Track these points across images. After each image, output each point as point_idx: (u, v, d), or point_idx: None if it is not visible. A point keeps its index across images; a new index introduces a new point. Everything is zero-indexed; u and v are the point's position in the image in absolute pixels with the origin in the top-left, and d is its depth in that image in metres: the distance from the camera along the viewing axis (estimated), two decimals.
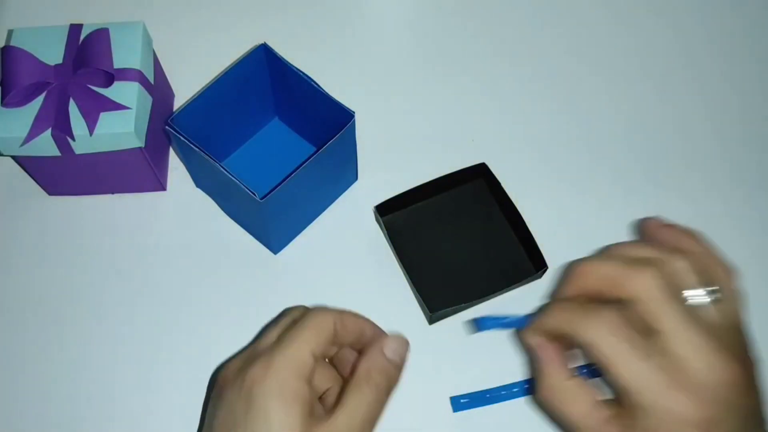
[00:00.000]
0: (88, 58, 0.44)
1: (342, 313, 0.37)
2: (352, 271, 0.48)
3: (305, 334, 0.35)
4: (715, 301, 0.34)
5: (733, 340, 0.34)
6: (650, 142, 0.53)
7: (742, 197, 0.51)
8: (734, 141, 0.53)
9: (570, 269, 0.36)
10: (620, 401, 0.34)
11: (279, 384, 0.34)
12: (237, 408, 0.34)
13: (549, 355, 0.36)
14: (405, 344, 0.38)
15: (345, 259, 0.49)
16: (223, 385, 0.36)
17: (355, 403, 0.35)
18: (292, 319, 0.38)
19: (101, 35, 0.45)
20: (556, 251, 0.47)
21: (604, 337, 0.34)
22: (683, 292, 0.34)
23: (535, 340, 0.37)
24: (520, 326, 0.39)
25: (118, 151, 0.45)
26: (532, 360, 0.37)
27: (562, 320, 0.36)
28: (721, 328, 0.34)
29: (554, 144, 0.53)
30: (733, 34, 0.58)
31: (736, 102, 0.55)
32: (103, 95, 0.43)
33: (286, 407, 0.33)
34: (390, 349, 0.37)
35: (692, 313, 0.33)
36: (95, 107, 0.43)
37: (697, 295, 0.34)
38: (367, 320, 0.39)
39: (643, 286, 0.34)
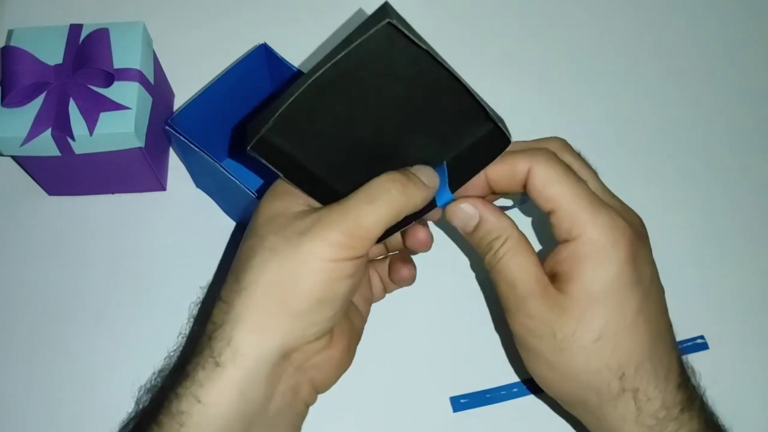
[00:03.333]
0: (88, 58, 0.44)
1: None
2: None
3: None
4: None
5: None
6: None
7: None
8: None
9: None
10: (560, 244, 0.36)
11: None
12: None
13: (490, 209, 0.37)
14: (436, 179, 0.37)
15: None
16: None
17: (372, 181, 0.34)
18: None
19: (101, 35, 0.45)
20: None
21: (546, 163, 0.36)
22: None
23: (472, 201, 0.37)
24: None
25: (118, 151, 0.45)
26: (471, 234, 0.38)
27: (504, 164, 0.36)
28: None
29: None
30: None
31: None
32: (103, 95, 0.43)
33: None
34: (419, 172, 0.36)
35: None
36: (95, 107, 0.43)
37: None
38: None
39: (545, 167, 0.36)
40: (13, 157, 0.48)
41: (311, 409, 0.44)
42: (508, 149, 0.36)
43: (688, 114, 0.55)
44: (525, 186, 0.37)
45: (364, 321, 0.41)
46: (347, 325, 0.38)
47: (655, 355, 0.35)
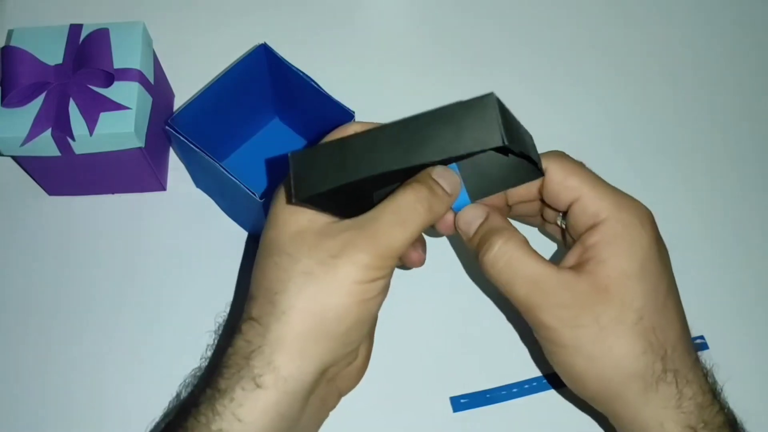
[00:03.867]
0: (88, 58, 0.44)
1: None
2: None
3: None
4: None
5: None
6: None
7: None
8: None
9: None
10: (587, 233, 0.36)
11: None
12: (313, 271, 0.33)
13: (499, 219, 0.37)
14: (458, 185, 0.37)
15: None
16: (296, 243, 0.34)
17: (400, 200, 0.34)
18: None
19: (101, 35, 0.45)
20: None
21: (561, 158, 0.37)
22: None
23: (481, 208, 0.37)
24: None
25: (118, 151, 0.45)
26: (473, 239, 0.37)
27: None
28: None
29: (557, 144, 0.53)
30: None
31: None
32: (103, 95, 0.43)
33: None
34: (439, 175, 0.36)
35: None
36: (95, 107, 0.43)
37: None
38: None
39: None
40: (13, 157, 0.48)
41: None
42: None
43: (684, 114, 0.55)
44: (540, 190, 0.38)
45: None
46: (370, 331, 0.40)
47: (685, 337, 0.36)
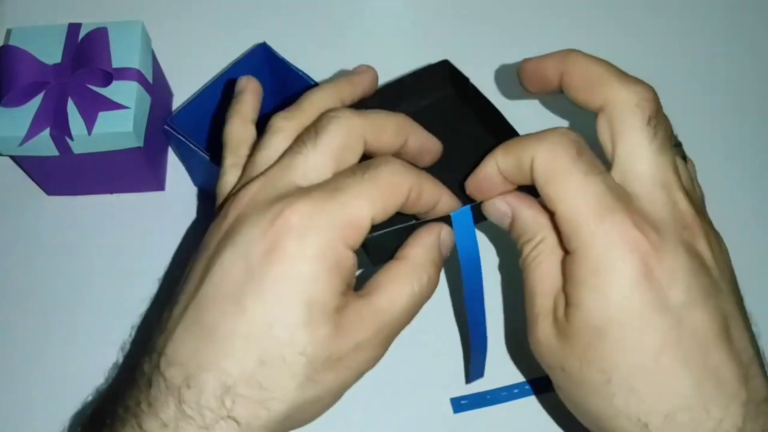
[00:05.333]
0: (86, 58, 0.44)
1: (421, 177, 0.31)
2: None
3: (374, 192, 0.29)
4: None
5: None
6: None
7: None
8: None
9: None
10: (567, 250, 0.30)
11: (322, 243, 0.27)
12: (253, 253, 0.28)
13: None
14: (452, 238, 0.33)
15: None
16: (244, 213, 0.29)
17: (400, 289, 0.30)
18: (355, 155, 0.31)
19: (100, 35, 0.44)
20: None
21: (551, 151, 0.30)
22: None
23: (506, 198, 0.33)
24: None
25: (116, 150, 0.45)
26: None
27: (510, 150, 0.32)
28: None
29: None
30: None
31: None
32: (101, 95, 0.43)
33: (324, 275, 0.27)
34: (445, 244, 0.32)
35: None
36: (94, 107, 0.43)
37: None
38: (445, 190, 0.33)
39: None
40: (12, 157, 0.48)
41: None
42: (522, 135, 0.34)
43: (684, 115, 0.55)
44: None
45: None
46: None
47: (700, 404, 0.28)
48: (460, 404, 0.44)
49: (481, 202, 0.34)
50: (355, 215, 0.28)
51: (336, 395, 0.31)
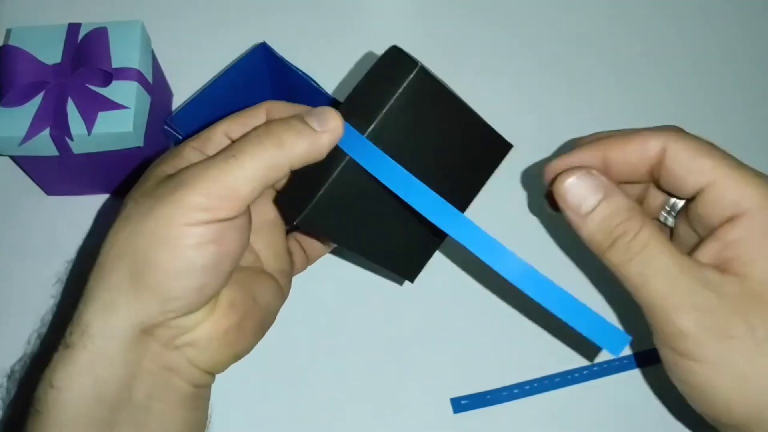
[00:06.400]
0: (86, 58, 0.44)
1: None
2: (354, 263, 0.48)
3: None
4: None
5: None
6: None
7: None
8: None
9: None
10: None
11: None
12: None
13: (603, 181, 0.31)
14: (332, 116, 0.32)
15: (346, 256, 0.48)
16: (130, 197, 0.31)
17: (248, 134, 0.31)
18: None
19: (100, 34, 0.44)
20: None
21: (685, 137, 0.31)
22: None
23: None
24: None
25: (116, 150, 0.45)
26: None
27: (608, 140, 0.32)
28: None
29: (564, 139, 0.53)
30: None
31: None
32: (101, 95, 0.43)
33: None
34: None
35: None
36: (93, 107, 0.43)
37: None
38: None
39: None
40: (12, 157, 0.48)
41: (310, 408, 0.44)
42: (628, 130, 0.34)
43: (683, 115, 0.55)
44: (653, 170, 0.32)
45: (280, 296, 0.37)
46: (241, 299, 0.34)
47: None
48: (460, 404, 0.44)
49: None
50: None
51: None
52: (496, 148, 0.38)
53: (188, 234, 0.29)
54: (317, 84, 0.45)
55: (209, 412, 0.35)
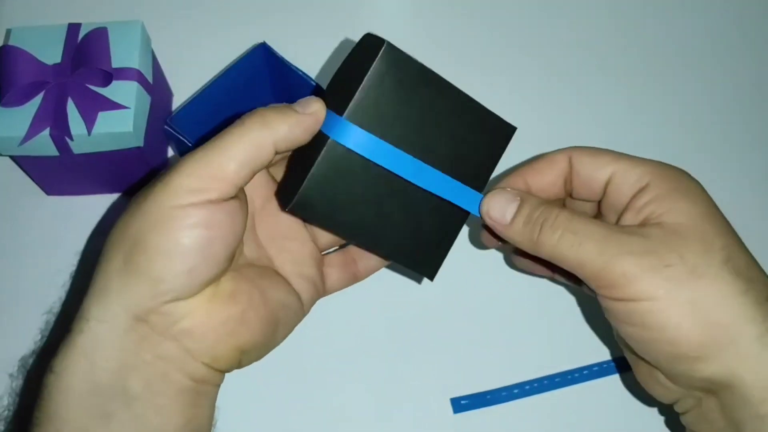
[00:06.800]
0: (86, 58, 0.44)
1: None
2: None
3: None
4: None
5: None
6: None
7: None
8: None
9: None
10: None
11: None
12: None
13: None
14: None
15: None
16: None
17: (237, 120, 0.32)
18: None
19: (100, 34, 0.44)
20: None
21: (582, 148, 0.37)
22: None
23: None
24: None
25: (116, 150, 0.45)
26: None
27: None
28: None
29: (561, 142, 0.53)
30: None
31: None
32: (101, 95, 0.43)
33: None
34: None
35: None
36: (93, 107, 0.43)
37: None
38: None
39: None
40: (12, 157, 0.48)
41: (310, 408, 0.44)
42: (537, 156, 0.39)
43: (683, 115, 0.55)
44: (566, 181, 0.38)
45: (293, 297, 0.36)
46: (246, 291, 0.33)
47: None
48: (460, 404, 0.44)
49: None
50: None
51: None
52: (499, 132, 0.38)
53: (176, 216, 0.30)
54: (317, 84, 0.45)
55: (215, 415, 0.34)
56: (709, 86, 0.56)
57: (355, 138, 0.33)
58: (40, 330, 0.46)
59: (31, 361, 0.44)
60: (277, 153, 0.32)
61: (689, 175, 0.35)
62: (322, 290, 0.39)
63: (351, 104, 0.33)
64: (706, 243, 0.32)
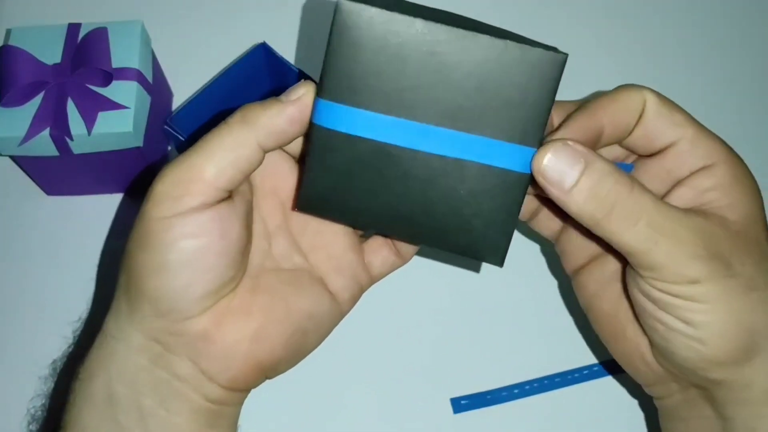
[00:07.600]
0: (86, 58, 0.44)
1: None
2: None
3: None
4: None
5: None
6: None
7: None
8: None
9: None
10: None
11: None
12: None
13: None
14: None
15: None
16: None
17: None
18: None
19: (100, 34, 0.44)
20: None
21: (657, 94, 0.32)
22: None
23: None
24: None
25: (116, 150, 0.45)
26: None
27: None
28: None
29: None
30: None
31: None
32: (101, 95, 0.43)
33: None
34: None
35: None
36: (93, 107, 0.43)
37: None
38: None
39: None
40: (11, 157, 0.48)
41: (309, 407, 0.44)
42: (603, 92, 0.33)
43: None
44: (634, 127, 0.33)
45: (326, 302, 0.34)
46: (263, 305, 0.31)
47: None
48: (460, 404, 0.44)
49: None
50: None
51: None
52: (540, 65, 0.31)
53: (159, 229, 0.28)
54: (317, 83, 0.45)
55: None
56: (710, 86, 0.56)
57: (341, 117, 0.29)
58: (38, 330, 0.46)
59: (60, 364, 0.44)
60: (267, 149, 0.30)
61: (747, 167, 0.33)
62: (366, 280, 0.36)
63: (324, 81, 0.29)
64: (762, 252, 0.31)
